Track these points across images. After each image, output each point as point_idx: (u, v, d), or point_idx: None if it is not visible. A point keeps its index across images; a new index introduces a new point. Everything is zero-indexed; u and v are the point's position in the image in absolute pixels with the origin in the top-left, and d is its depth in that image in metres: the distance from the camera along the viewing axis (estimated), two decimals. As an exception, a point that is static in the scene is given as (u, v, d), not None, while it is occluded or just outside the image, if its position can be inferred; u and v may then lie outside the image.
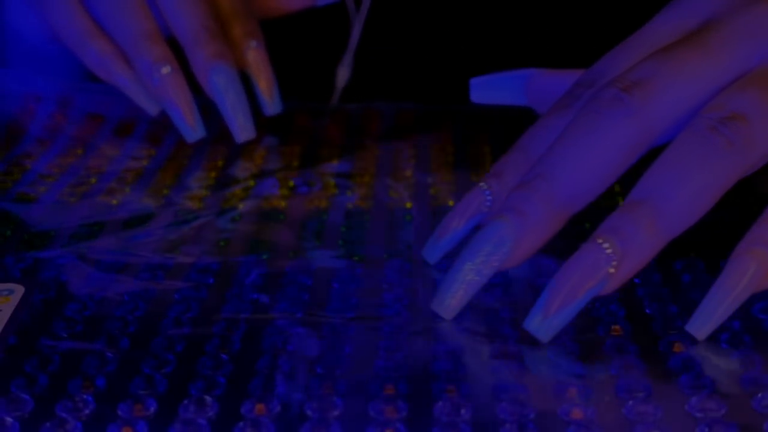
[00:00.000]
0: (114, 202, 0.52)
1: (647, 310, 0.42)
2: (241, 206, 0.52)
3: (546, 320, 0.39)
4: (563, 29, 0.65)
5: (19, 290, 0.43)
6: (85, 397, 0.37)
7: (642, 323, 0.41)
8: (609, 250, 0.38)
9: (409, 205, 0.52)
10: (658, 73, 0.41)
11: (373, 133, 0.60)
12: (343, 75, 0.64)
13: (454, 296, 0.41)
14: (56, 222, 0.50)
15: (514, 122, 0.61)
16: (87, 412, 0.36)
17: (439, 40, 0.66)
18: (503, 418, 0.36)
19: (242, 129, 0.55)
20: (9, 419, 0.36)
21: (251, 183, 0.54)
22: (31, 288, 0.44)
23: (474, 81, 0.52)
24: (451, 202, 0.52)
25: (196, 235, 0.49)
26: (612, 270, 0.39)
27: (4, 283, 0.44)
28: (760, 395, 0.36)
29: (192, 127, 0.55)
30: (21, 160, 0.58)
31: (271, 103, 0.57)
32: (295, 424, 0.35)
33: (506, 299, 0.43)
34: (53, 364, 0.39)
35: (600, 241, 0.39)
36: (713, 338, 0.40)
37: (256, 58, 0.57)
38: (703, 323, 0.39)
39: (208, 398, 0.37)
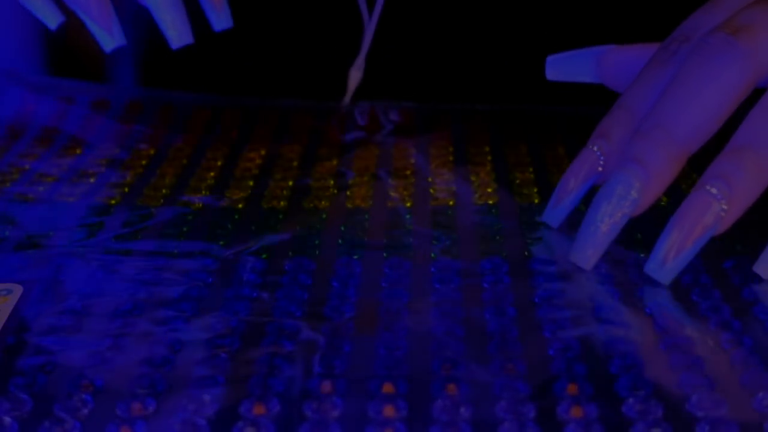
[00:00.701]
0: (113, 202, 0.52)
1: (647, 310, 0.42)
2: (241, 206, 0.52)
3: (665, 265, 0.42)
4: (566, 31, 0.65)
5: (18, 290, 0.43)
6: (83, 396, 0.37)
7: (642, 323, 0.41)
8: (718, 195, 0.41)
9: (409, 204, 0.52)
10: (761, 18, 0.43)
11: (373, 132, 0.60)
12: (355, 77, 0.64)
13: (591, 247, 0.43)
14: (55, 222, 0.50)
15: (513, 122, 0.61)
16: (86, 411, 0.36)
17: (444, 41, 0.66)
18: (503, 417, 0.35)
19: (177, 33, 0.51)
20: (8, 419, 0.36)
21: (250, 183, 0.54)
22: (30, 288, 0.44)
23: (549, 58, 0.53)
24: (451, 202, 0.52)
25: (196, 235, 0.49)
26: (722, 213, 0.42)
27: (3, 283, 0.44)
28: (760, 395, 0.36)
29: (110, 36, 0.50)
30: (20, 159, 0.58)
31: (219, 13, 0.52)
32: (294, 423, 0.35)
33: (507, 296, 0.43)
34: (52, 364, 0.39)
35: (708, 186, 0.42)
36: (713, 338, 0.40)
37: None
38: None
39: (207, 398, 0.37)
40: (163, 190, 0.53)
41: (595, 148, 0.46)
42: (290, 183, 0.54)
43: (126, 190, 0.54)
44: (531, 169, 0.55)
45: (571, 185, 0.47)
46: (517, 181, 0.54)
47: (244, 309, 0.42)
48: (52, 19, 0.51)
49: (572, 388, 0.37)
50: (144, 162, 0.57)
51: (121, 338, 0.40)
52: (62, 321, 0.41)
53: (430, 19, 0.66)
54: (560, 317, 0.41)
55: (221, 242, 0.48)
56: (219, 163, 0.57)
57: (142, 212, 0.51)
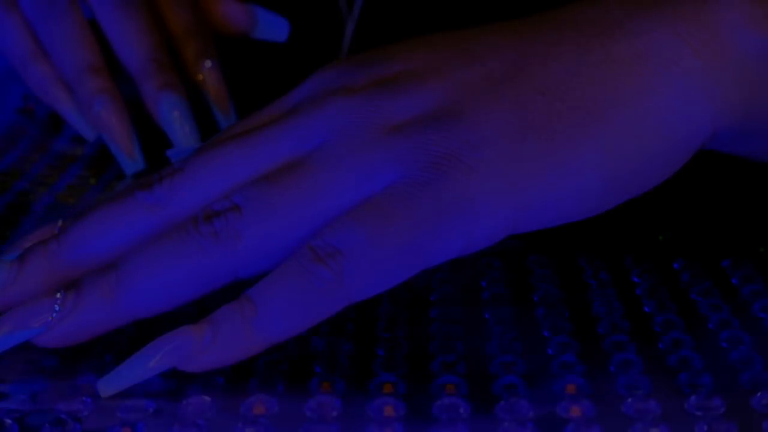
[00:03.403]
0: (113, 203, 0.52)
1: (646, 309, 0.42)
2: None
3: None
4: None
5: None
6: (84, 398, 0.37)
7: (641, 321, 0.41)
8: (57, 302, 0.38)
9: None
10: (188, 164, 0.40)
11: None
12: None
13: None
14: (56, 223, 0.50)
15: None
16: (86, 413, 0.36)
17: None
18: (503, 417, 0.36)
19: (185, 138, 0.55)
20: (8, 421, 0.36)
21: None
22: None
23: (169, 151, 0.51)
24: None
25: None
26: (52, 319, 0.38)
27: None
28: (759, 394, 0.36)
29: (131, 160, 0.54)
30: (20, 161, 0.58)
31: (227, 119, 0.58)
32: (295, 424, 0.35)
33: (506, 295, 0.43)
34: (53, 366, 0.39)
35: (59, 292, 0.38)
36: (713, 337, 0.40)
37: (210, 77, 0.57)
38: (110, 382, 0.37)
39: (207, 398, 0.37)
40: (163, 191, 0.53)
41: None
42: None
43: (126, 191, 0.54)
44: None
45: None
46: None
47: (244, 309, 0.42)
48: (90, 133, 0.56)
49: (571, 388, 0.37)
50: (144, 163, 0.57)
51: (120, 339, 0.40)
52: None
53: (410, 16, 0.66)
54: (559, 316, 0.41)
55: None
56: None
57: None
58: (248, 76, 0.64)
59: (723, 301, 0.42)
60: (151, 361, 0.37)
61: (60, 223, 0.42)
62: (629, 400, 0.36)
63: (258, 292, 0.37)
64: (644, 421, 0.35)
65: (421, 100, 0.39)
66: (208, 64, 0.57)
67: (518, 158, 0.38)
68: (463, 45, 0.41)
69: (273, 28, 0.61)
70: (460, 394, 0.37)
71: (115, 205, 0.40)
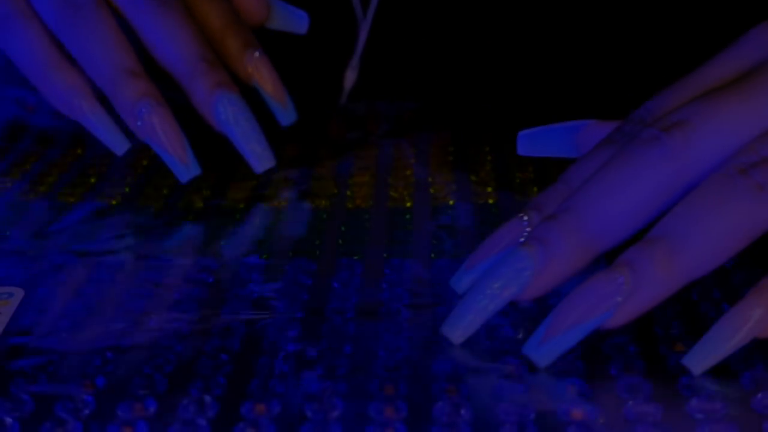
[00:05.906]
0: (114, 202, 0.52)
1: (647, 310, 0.42)
2: (242, 206, 0.52)
3: (543, 345, 0.38)
4: (567, 34, 0.65)
5: (19, 293, 0.43)
6: (84, 397, 0.37)
7: (641, 323, 0.41)
8: (620, 282, 0.38)
9: (409, 204, 0.52)
10: (699, 116, 0.40)
11: (373, 132, 0.60)
12: (350, 77, 0.64)
13: (466, 322, 0.40)
14: (56, 222, 0.50)
15: (513, 121, 0.61)
16: (87, 412, 0.36)
17: (442, 41, 0.66)
18: (503, 419, 0.36)
19: (259, 158, 0.52)
20: (9, 419, 0.36)
21: (251, 182, 0.54)
22: (31, 291, 0.44)
23: (522, 134, 0.51)
24: (451, 201, 0.52)
25: (196, 235, 0.49)
26: (620, 300, 0.38)
27: (3, 287, 0.44)
28: (760, 395, 0.36)
29: (185, 167, 0.51)
30: (21, 159, 0.58)
31: (284, 109, 0.54)
32: (295, 424, 0.35)
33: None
34: (52, 365, 0.39)
35: (613, 272, 0.38)
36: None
37: (259, 67, 0.54)
38: (700, 360, 0.38)
39: (207, 398, 0.37)
40: (164, 190, 0.53)
41: (525, 218, 0.42)
42: (290, 183, 0.54)
43: (127, 189, 0.54)
44: (531, 169, 0.55)
45: (490, 252, 0.42)
46: (517, 181, 0.54)
47: (244, 309, 0.42)
48: (120, 147, 0.52)
49: (572, 390, 0.37)
50: (145, 162, 0.57)
51: (122, 339, 0.40)
52: (63, 323, 0.41)
53: (426, 16, 0.66)
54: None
55: (221, 242, 0.48)
56: (220, 163, 0.57)
57: (143, 212, 0.51)
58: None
59: (723, 301, 0.42)
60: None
61: (526, 214, 0.42)
62: (630, 402, 0.36)
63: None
64: (645, 424, 0.35)
65: None
66: (256, 54, 0.54)
67: None
68: None
69: (292, 19, 0.59)
70: (461, 395, 0.37)
71: (624, 166, 0.40)
